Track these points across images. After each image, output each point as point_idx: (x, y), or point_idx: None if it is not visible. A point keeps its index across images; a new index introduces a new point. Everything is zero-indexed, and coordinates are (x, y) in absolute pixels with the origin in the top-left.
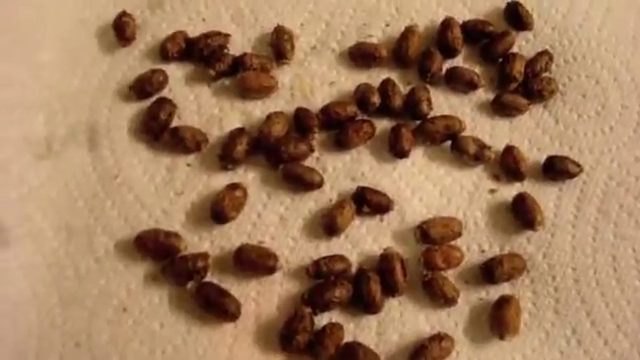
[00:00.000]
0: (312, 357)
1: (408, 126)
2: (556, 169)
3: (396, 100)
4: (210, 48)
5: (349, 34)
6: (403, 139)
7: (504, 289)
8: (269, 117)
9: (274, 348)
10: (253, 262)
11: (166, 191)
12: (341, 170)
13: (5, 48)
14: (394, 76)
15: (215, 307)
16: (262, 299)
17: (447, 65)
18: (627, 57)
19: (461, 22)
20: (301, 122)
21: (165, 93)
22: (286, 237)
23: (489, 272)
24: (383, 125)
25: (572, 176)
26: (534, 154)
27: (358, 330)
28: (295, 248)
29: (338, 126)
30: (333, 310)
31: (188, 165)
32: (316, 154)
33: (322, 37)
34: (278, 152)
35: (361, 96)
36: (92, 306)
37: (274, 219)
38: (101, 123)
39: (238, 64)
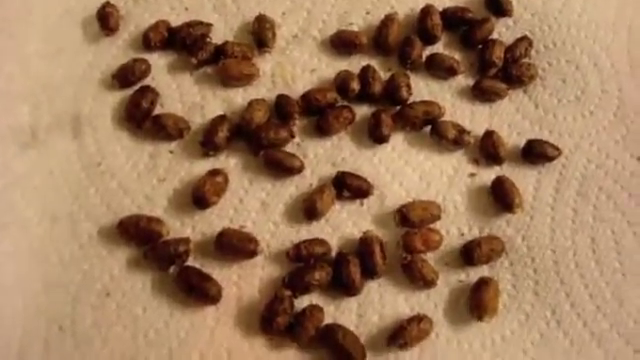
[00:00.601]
0: (292, 339)
1: (388, 112)
2: (535, 153)
3: (376, 86)
4: (192, 37)
5: (330, 22)
6: (383, 124)
7: (483, 271)
8: (250, 104)
9: (255, 330)
10: (234, 246)
11: (149, 178)
12: (322, 156)
13: None
14: (375, 63)
15: (197, 291)
16: (243, 283)
17: (427, 52)
18: (607, 42)
19: (441, 9)
20: (282, 109)
21: (148, 82)
22: (267, 222)
23: (468, 254)
24: (363, 111)
25: (551, 159)
26: (514, 138)
27: (338, 312)
28: (276, 232)
29: (318, 112)
30: (313, 293)
31: (170, 152)
32: (297, 140)
33: (303, 25)
34: (259, 138)
35: (341, 82)
36: (76, 291)
37: (255, 204)
38: (85, 112)
39: (220, 52)
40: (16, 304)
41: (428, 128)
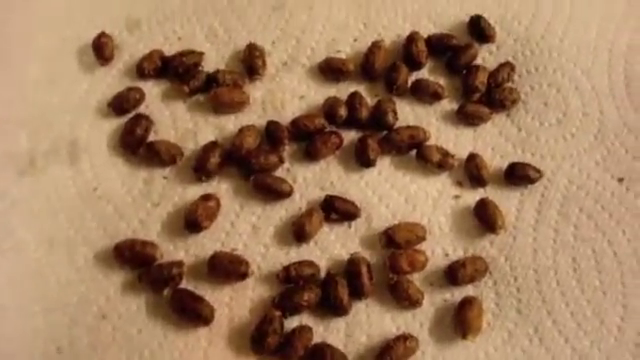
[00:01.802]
0: (282, 358)
1: (374, 137)
2: (517, 175)
3: (363, 112)
4: (185, 66)
5: (319, 50)
6: (369, 149)
7: (468, 291)
8: (241, 130)
9: (246, 350)
10: (226, 268)
11: (143, 202)
12: (310, 180)
13: None
14: (362, 89)
15: (190, 312)
16: (235, 304)
17: (413, 77)
18: (587, 66)
19: (426, 36)
20: (272, 134)
21: (142, 109)
22: (258, 244)
23: (452, 274)
24: (351, 136)
25: (533, 181)
26: (497, 161)
27: (327, 332)
28: (266, 255)
29: (307, 138)
30: (302, 313)
31: (164, 178)
32: (286, 165)
33: (293, 53)
34: (249, 164)
35: (329, 109)
36: (73, 313)
37: (246, 227)
38: (81, 139)
39: (212, 80)
40: (14, 326)
41: (414, 152)
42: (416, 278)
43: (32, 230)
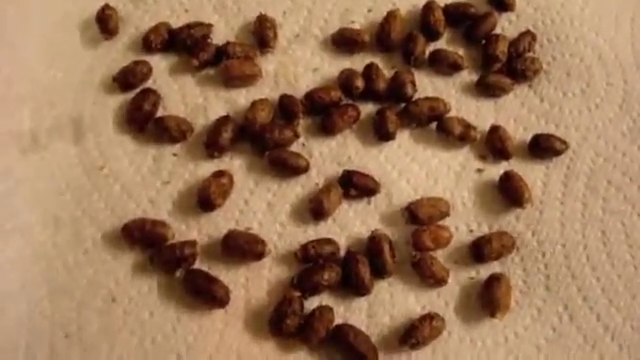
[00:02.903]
0: (303, 341)
1: (393, 109)
2: (542, 147)
3: (380, 84)
4: (193, 38)
5: (331, 21)
6: (388, 122)
7: (494, 268)
8: (253, 104)
9: (265, 333)
10: (241, 248)
11: (152, 181)
12: (327, 155)
13: None
14: (378, 61)
15: (204, 294)
16: (251, 285)
17: (430, 48)
18: (610, 35)
19: (443, 5)
20: (286, 108)
21: (149, 84)
22: (274, 223)
23: (478, 251)
24: (368, 109)
25: (558, 153)
26: (520, 133)
27: (348, 313)
28: (283, 233)
29: (323, 111)
30: (323, 293)
31: (174, 154)
32: (302, 140)
33: (305, 24)
34: (263, 139)
35: (345, 81)
36: (81, 297)
37: (261, 205)
38: (86, 116)
39: (221, 53)
40: (21, 311)
41: (434, 125)
42: (440, 255)
43: (37, 211)
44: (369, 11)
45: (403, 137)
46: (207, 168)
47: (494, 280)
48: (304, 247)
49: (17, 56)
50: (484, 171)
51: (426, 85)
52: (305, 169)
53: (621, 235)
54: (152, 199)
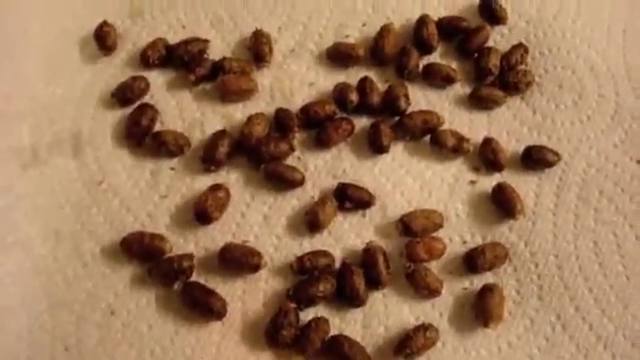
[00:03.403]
0: (299, 351)
1: (387, 122)
2: (534, 158)
3: (374, 97)
4: (190, 54)
5: (326, 35)
6: (382, 135)
7: (487, 278)
8: (250, 119)
9: (261, 345)
10: (237, 261)
11: (150, 195)
12: (322, 168)
13: None
14: (372, 74)
15: (201, 306)
16: (248, 297)
17: (424, 61)
18: (602, 47)
19: (436, 19)
20: (281, 122)
21: (147, 99)
22: (270, 235)
23: (471, 262)
24: (362, 122)
25: (550, 165)
26: (513, 145)
27: (344, 324)
28: (279, 246)
29: (318, 125)
30: (318, 305)
31: (171, 169)
32: (297, 153)
33: (300, 39)
34: (259, 152)
35: (339, 95)
36: (80, 310)
37: (258, 218)
38: (85, 131)
39: (218, 68)
40: (21, 325)
41: (427, 137)
42: (434, 266)
43: (37, 225)
44: (363, 25)
45: (397, 150)
46: (204, 182)
47: (487, 290)
48: (300, 259)
49: (16, 72)
50: (477, 183)
51: (419, 98)
52: (300, 182)
53: (613, 246)
54: (150, 213)
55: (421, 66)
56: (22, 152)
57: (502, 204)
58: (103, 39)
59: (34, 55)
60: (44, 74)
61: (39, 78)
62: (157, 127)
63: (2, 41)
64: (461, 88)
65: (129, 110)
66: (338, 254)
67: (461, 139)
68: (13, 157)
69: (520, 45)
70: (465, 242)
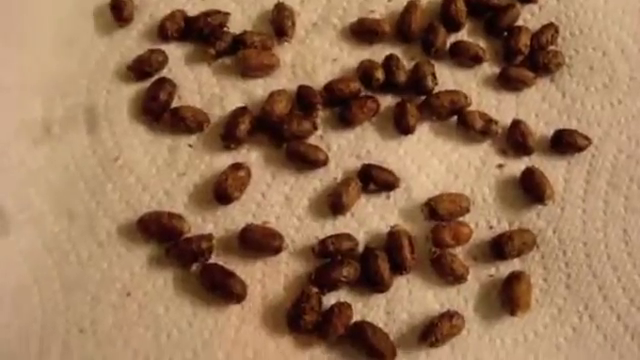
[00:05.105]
0: (320, 337)
1: (413, 102)
2: (564, 142)
3: (400, 75)
4: (210, 27)
5: (350, 10)
6: (408, 115)
7: (514, 265)
8: (271, 95)
9: (281, 329)
10: (258, 242)
11: (168, 172)
12: (346, 148)
13: (1, 32)
14: (397, 52)
15: (221, 288)
16: (268, 280)
17: (451, 39)
18: (634, 29)
19: None
20: (304, 100)
21: (165, 73)
22: (291, 217)
23: (499, 248)
24: (387, 101)
25: (581, 149)
26: (541, 128)
27: (367, 309)
28: (301, 228)
29: (342, 103)
30: (341, 289)
31: (190, 146)
32: (320, 132)
33: (323, 13)
34: (281, 130)
35: (364, 72)
36: (95, 291)
37: (279, 199)
38: (100, 105)
39: (238, 42)
40: (34, 305)
41: (454, 118)
42: (459, 252)
43: (50, 202)
44: (389, 0)
45: (423, 130)
46: (224, 160)
47: (514, 278)
48: (323, 242)
49: (28, 44)
50: (505, 166)
51: (446, 78)
52: (324, 162)
53: None
54: (168, 191)
55: (448, 44)
56: (34, 126)
57: (531, 189)
58: (119, 9)
59: (46, 26)
60: (57, 46)
61: (52, 50)
62: (175, 102)
63: (16, 13)
64: (489, 68)
65: (146, 84)
66: (361, 237)
67: (489, 121)
68: (25, 131)
69: (551, 25)
70: (492, 227)
